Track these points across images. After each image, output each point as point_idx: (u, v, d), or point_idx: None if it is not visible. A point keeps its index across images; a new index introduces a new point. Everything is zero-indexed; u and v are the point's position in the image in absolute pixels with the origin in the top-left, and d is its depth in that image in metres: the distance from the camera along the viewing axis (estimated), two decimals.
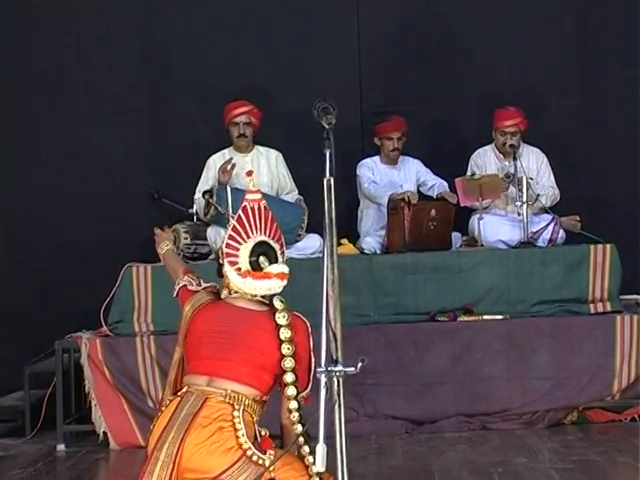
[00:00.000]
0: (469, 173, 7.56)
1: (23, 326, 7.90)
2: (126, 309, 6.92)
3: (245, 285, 3.87)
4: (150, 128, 8.35)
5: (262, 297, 3.89)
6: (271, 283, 3.85)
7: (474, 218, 7.40)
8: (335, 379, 3.23)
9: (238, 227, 3.91)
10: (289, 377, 3.74)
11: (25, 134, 8.26)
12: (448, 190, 7.46)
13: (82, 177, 8.19)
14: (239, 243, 3.88)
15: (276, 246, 3.93)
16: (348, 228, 7.45)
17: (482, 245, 7.28)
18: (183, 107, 8.29)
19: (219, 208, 6.89)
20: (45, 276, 8.06)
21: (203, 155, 7.50)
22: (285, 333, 3.76)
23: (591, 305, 6.96)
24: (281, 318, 3.79)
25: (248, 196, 3.98)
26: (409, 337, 6.80)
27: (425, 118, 8.20)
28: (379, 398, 6.71)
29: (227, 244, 3.91)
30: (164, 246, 4.51)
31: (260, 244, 3.89)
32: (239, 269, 3.87)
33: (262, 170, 7.43)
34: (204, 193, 7.06)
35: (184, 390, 3.81)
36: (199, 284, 4.08)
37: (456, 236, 7.42)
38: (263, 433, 3.74)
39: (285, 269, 3.88)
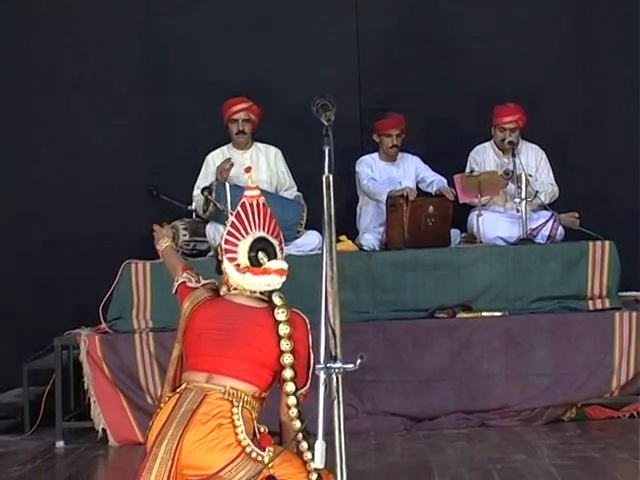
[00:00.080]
0: (468, 170, 7.56)
1: (22, 323, 7.91)
2: (125, 306, 6.92)
3: (244, 281, 3.87)
4: (149, 125, 8.35)
5: (261, 293, 3.90)
6: (270, 279, 3.85)
7: (473, 215, 7.39)
8: (334, 376, 3.23)
9: (237, 223, 3.91)
10: (288, 373, 3.74)
11: (25, 132, 8.26)
12: (447, 186, 7.46)
13: (81, 174, 8.19)
14: (238, 239, 3.89)
15: (275, 242, 3.93)
16: (347, 225, 7.45)
17: (481, 242, 7.28)
18: (182, 104, 8.28)
19: (218, 205, 6.89)
20: (44, 273, 8.05)
21: (202, 152, 7.50)
22: (284, 329, 3.77)
23: (590, 302, 6.96)
24: (280, 314, 3.79)
25: (247, 192, 3.98)
26: (408, 334, 6.80)
27: (424, 115, 8.19)
28: (378, 395, 6.72)
29: (226, 240, 3.91)
30: (163, 243, 4.52)
31: (259, 240, 3.89)
32: (238, 265, 3.87)
33: (261, 167, 7.43)
34: (203, 190, 7.06)
35: (183, 387, 3.81)
36: (198, 281, 4.08)
37: (455, 233, 7.43)
38: (262, 430, 3.74)
39: (284, 265, 3.88)
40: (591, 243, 7.02)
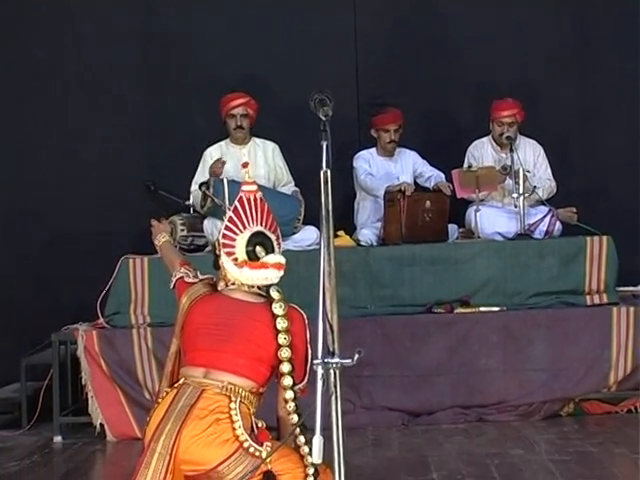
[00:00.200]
0: (466, 165, 7.55)
1: (20, 318, 7.90)
2: (123, 301, 6.91)
3: (242, 275, 3.87)
4: (147, 120, 8.35)
5: (259, 288, 3.90)
6: (268, 273, 3.85)
7: (471, 210, 7.39)
8: (332, 371, 3.23)
9: (234, 218, 3.92)
10: (285, 367, 3.75)
11: (24, 131, 8.26)
12: (445, 181, 7.46)
13: (79, 169, 8.20)
14: (235, 233, 3.89)
15: (272, 237, 3.94)
16: (345, 220, 7.45)
17: (479, 237, 7.27)
18: (180, 100, 8.28)
19: (216, 200, 6.88)
20: (42, 268, 8.05)
21: (200, 147, 7.50)
22: (281, 323, 3.77)
23: (587, 297, 6.96)
24: (277, 308, 3.79)
25: (244, 187, 3.98)
26: (405, 329, 6.80)
27: (422, 110, 8.19)
28: (376, 390, 6.72)
29: (224, 234, 3.92)
30: (161, 238, 4.52)
31: (257, 234, 3.90)
32: (236, 259, 3.87)
33: (259, 162, 7.43)
34: (201, 185, 7.06)
35: (181, 382, 3.81)
36: (196, 276, 4.09)
37: (453, 228, 7.43)
38: (260, 425, 3.74)
39: (282, 259, 3.88)
40: (589, 238, 7.02)
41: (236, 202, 3.96)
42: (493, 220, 7.32)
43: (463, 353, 6.74)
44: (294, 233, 7.11)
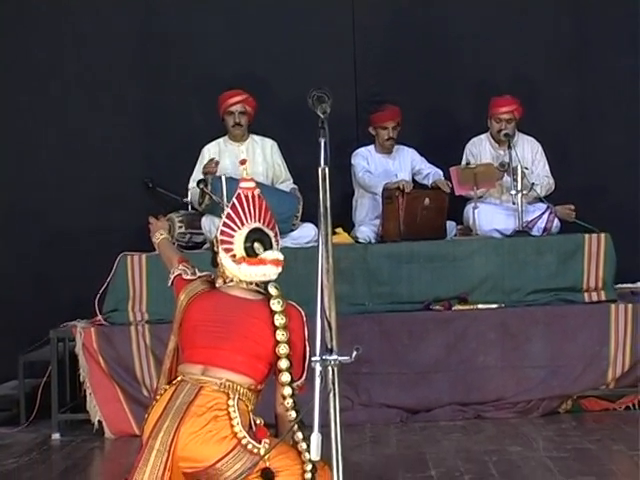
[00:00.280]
0: (464, 162, 7.55)
1: (18, 315, 7.90)
2: (121, 298, 6.91)
3: (240, 272, 3.87)
4: (145, 117, 8.34)
5: (257, 285, 3.90)
6: (266, 269, 3.86)
7: (469, 207, 7.39)
8: (330, 368, 3.22)
9: (232, 214, 3.92)
10: (283, 363, 3.75)
11: (24, 131, 8.24)
12: (443, 179, 7.46)
13: (78, 167, 8.18)
14: (233, 230, 3.89)
15: (271, 233, 3.94)
16: (343, 217, 7.44)
17: (477, 234, 7.27)
18: (178, 96, 8.28)
19: (214, 197, 6.88)
20: (40, 265, 8.05)
21: (198, 144, 7.49)
22: (279, 319, 3.77)
23: (586, 294, 6.97)
24: (275, 304, 3.79)
25: (242, 184, 3.99)
26: (404, 326, 6.80)
27: (420, 107, 8.18)
28: (374, 387, 6.72)
29: (222, 231, 3.92)
30: (159, 235, 4.53)
31: (255, 231, 3.90)
32: (234, 256, 3.88)
33: (257, 159, 7.43)
34: (199, 182, 7.05)
35: (179, 379, 3.82)
36: (194, 273, 4.09)
37: (451, 225, 7.43)
38: (258, 422, 3.74)
39: (280, 256, 3.89)
40: (587, 235, 7.02)
41: (234, 199, 3.96)
42: (491, 217, 7.32)
43: (461, 350, 6.74)
44: (292, 230, 7.11)
